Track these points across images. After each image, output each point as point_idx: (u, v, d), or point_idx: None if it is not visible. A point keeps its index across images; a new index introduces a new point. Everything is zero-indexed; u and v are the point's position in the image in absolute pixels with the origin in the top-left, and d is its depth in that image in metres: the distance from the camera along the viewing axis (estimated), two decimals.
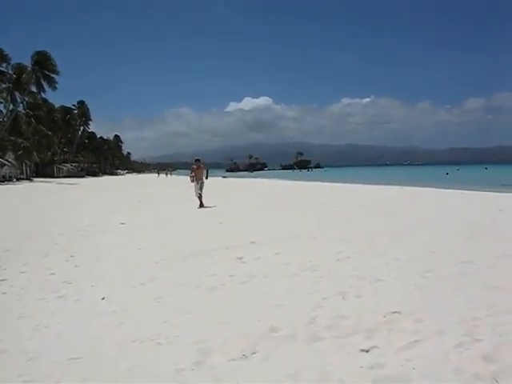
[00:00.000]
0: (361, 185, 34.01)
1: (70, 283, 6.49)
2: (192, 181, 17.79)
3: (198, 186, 17.39)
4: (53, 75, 65.29)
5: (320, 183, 39.87)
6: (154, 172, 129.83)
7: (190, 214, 15.19)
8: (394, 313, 4.50)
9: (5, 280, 6.86)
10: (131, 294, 5.77)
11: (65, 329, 4.63)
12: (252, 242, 8.78)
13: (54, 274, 7.14)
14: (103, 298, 5.60)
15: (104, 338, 4.30)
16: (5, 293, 6.19)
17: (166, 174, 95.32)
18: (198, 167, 17.83)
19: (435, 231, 9.73)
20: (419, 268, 6.29)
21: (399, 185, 30.68)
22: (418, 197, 20.57)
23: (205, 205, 17.11)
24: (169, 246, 8.85)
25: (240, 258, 7.51)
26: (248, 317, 4.61)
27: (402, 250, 7.67)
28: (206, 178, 18.36)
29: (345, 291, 5.33)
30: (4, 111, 63.49)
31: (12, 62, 61.36)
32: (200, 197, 17.25)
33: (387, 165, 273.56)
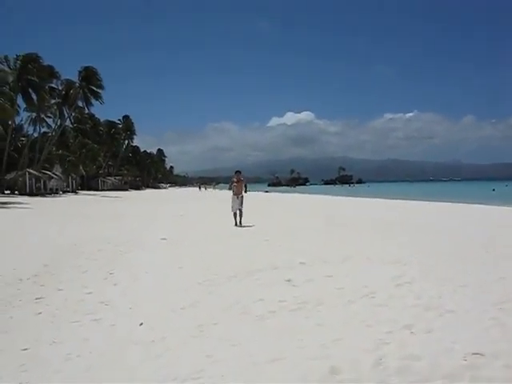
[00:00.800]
0: (407, 201, 32.86)
1: (107, 304, 6.06)
2: (233, 192, 15.78)
3: (238, 201, 15.47)
4: (99, 90, 66.75)
5: (365, 199, 38.87)
6: (196, 186, 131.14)
7: (233, 230, 14.65)
8: (474, 354, 3.82)
9: (41, 298, 6.52)
10: (171, 319, 5.27)
11: (97, 360, 4.15)
12: (301, 263, 8.17)
13: (90, 293, 6.75)
14: (141, 324, 5.12)
15: (138, 374, 3.79)
16: (40, 313, 5.82)
17: (206, 188, 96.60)
18: (238, 180, 15.89)
19: (500, 254, 8.89)
20: (493, 297, 5.55)
21: (449, 201, 29.45)
22: (475, 215, 19.49)
23: (243, 223, 15.33)
24: (211, 266, 8.34)
25: (289, 281, 6.92)
26: (303, 353, 4.01)
27: (468, 274, 6.91)
28: (245, 191, 16.15)
29: (411, 324, 4.66)
30: (53, 126, 65.20)
31: (61, 78, 63.09)
32: (239, 213, 15.45)
33: (431, 180, 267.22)
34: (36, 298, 6.51)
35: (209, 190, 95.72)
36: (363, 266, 7.81)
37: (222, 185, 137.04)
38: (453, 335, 4.27)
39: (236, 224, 15.29)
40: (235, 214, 15.49)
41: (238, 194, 15.56)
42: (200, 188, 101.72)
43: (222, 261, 8.82)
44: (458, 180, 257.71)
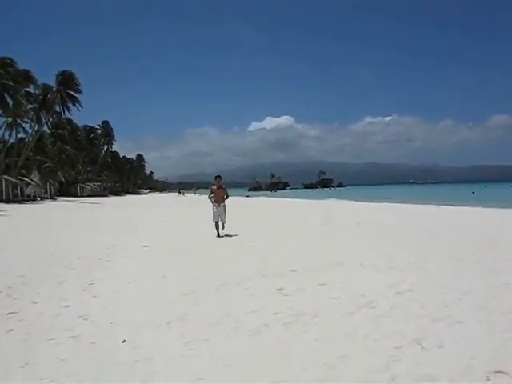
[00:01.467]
0: (391, 204, 32.75)
1: (86, 319, 5.58)
2: (213, 200, 13.71)
3: (220, 210, 13.62)
4: (77, 95, 65.67)
5: (348, 202, 38.69)
6: (175, 191, 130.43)
7: (215, 241, 14.05)
8: (497, 372, 3.47)
9: (14, 313, 6.00)
10: (156, 336, 4.82)
11: None
12: (291, 270, 7.75)
13: (68, 306, 6.25)
14: (124, 341, 4.67)
15: None
16: (11, 330, 5.30)
17: (184, 194, 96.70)
18: (218, 187, 13.77)
19: (499, 255, 8.62)
20: (501, 306, 5.21)
21: (430, 203, 29.40)
22: (460, 215, 19.33)
23: (226, 231, 13.88)
24: (197, 274, 7.88)
25: (280, 290, 6.51)
26: (306, 375, 3.62)
27: (470, 280, 6.59)
28: (227, 198, 13.99)
29: (420, 337, 4.30)
30: (30, 131, 63.90)
31: (38, 82, 61.88)
32: (221, 224, 13.74)
33: (410, 183, 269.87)
34: (8, 313, 5.99)
35: (188, 195, 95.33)
36: (357, 273, 7.43)
37: (201, 190, 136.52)
38: (468, 350, 3.91)
39: (218, 235, 13.37)
40: (217, 224, 13.58)
41: (219, 202, 13.60)
42: (179, 193, 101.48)
43: (207, 269, 8.37)
44: (435, 183, 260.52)
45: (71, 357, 4.32)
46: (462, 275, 6.94)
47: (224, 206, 13.63)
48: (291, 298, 6.09)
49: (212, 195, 13.64)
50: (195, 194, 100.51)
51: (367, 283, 6.65)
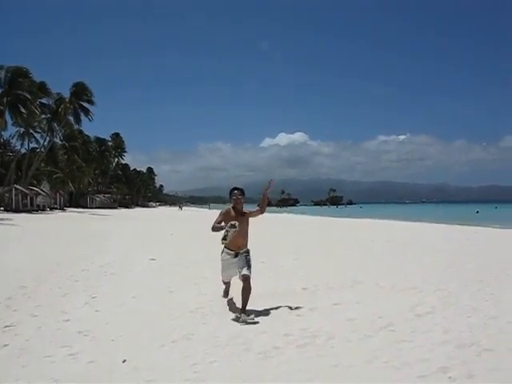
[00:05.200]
0: (402, 222, 32.23)
1: (86, 335, 5.25)
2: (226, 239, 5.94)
3: (237, 262, 6.22)
4: (89, 106, 65.97)
5: (360, 220, 38.22)
6: (183, 205, 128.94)
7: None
8: None
9: (11, 326, 5.69)
10: (160, 356, 4.47)
11: None
12: (303, 289, 7.41)
13: (68, 320, 5.93)
14: (124, 361, 4.32)
15: None
16: (6, 345, 4.98)
17: (181, 208, 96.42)
18: (237, 210, 6.42)
19: None
20: None
21: (444, 223, 28.91)
22: (474, 235, 18.82)
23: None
24: (205, 291, 7.55)
25: (292, 309, 6.17)
26: None
27: (496, 303, 6.20)
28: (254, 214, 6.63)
29: (446, 366, 3.92)
30: (41, 142, 64.15)
31: (52, 93, 62.22)
32: (229, 284, 6.98)
33: (423, 202, 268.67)
34: (5, 326, 5.68)
35: (202, 209, 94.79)
36: (373, 293, 7.07)
37: (212, 205, 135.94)
38: (501, 383, 3.54)
39: (226, 295, 7.05)
40: (227, 285, 7.00)
41: (236, 247, 6.26)
42: (180, 208, 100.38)
43: (215, 285, 8.00)
44: (437, 202, 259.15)
45: (66, 377, 3.98)
46: (487, 299, 6.53)
47: (246, 253, 6.32)
48: (304, 318, 5.75)
49: (221, 225, 6.11)
50: (209, 209, 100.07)
51: (385, 304, 6.30)
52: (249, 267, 6.18)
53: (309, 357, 4.30)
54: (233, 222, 5.95)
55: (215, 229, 6.20)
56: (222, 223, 6.15)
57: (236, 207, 6.44)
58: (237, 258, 6.24)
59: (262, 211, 6.52)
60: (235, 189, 6.60)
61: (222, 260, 6.49)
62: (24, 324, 5.78)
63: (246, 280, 6.02)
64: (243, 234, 6.28)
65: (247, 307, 5.92)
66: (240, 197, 6.45)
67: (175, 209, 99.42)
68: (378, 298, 6.75)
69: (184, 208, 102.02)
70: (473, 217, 46.43)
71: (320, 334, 4.96)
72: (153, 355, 4.49)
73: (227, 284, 6.99)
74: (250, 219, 6.51)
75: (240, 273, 6.12)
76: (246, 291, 6.00)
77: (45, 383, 3.88)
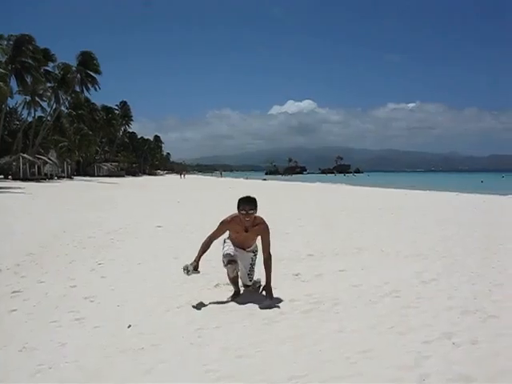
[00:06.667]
0: (409, 190, 32.11)
1: (92, 301, 5.29)
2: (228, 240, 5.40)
3: (243, 258, 5.32)
4: (96, 75, 65.56)
5: (364, 188, 38.13)
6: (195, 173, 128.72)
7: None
8: None
9: (19, 292, 5.74)
10: (165, 321, 4.49)
11: (72, 374, 3.39)
12: (309, 255, 7.41)
13: (75, 286, 5.97)
14: (129, 326, 4.35)
15: None
16: (14, 310, 5.03)
17: (184, 176, 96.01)
18: (244, 226, 5.20)
19: None
20: None
21: (450, 191, 28.81)
22: (481, 204, 18.73)
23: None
24: (210, 256, 7.55)
25: (297, 275, 6.18)
26: (326, 370, 3.26)
27: (502, 271, 6.17)
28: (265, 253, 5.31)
29: (450, 332, 3.91)
30: (48, 110, 63.98)
31: (58, 61, 61.82)
32: (238, 280, 5.41)
33: (440, 171, 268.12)
34: (13, 292, 5.73)
35: (212, 177, 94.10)
36: (379, 260, 7.06)
37: (225, 173, 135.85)
38: (506, 350, 3.52)
39: (236, 294, 5.33)
40: (234, 279, 5.34)
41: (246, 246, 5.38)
42: (181, 175, 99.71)
43: (220, 253, 8.05)
44: (445, 171, 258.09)
45: (72, 341, 4.02)
46: (492, 266, 6.51)
47: (253, 253, 5.46)
48: (309, 284, 5.76)
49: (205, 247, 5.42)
50: (222, 176, 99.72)
51: (389, 271, 6.29)
52: (251, 273, 5.38)
53: (313, 322, 4.30)
54: (189, 268, 5.05)
55: (202, 246, 5.29)
56: (226, 234, 5.27)
57: (245, 222, 5.13)
58: (243, 253, 5.30)
59: (265, 259, 5.21)
60: (246, 200, 5.11)
61: (223, 248, 5.33)
62: (31, 290, 5.83)
63: (245, 281, 5.43)
64: (247, 242, 5.32)
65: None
66: (251, 212, 5.08)
67: (178, 177, 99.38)
68: (383, 264, 6.75)
69: (187, 176, 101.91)
70: (478, 186, 46.24)
71: (325, 300, 4.96)
72: (158, 320, 4.52)
73: (234, 275, 5.25)
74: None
75: (243, 276, 5.37)
76: (238, 288, 5.38)
77: (52, 347, 3.92)
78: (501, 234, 9.95)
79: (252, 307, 4.79)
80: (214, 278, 6.08)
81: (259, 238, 5.30)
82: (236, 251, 5.21)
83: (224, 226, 5.22)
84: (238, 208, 5.11)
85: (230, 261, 5.13)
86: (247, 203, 5.08)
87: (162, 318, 4.60)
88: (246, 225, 5.13)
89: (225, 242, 5.38)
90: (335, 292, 5.28)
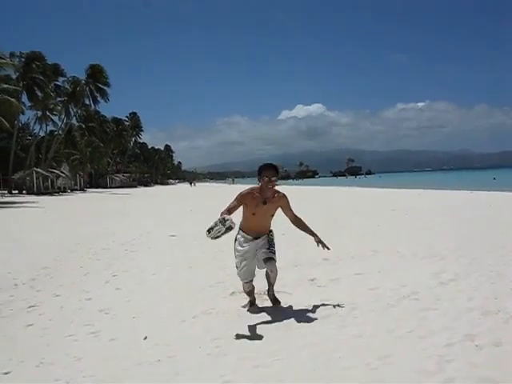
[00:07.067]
0: (421, 190, 31.85)
1: (107, 313, 5.27)
2: (209, 229, 4.20)
3: (263, 239, 4.88)
4: (105, 87, 66.09)
5: (376, 189, 37.91)
6: (205, 181, 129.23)
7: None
8: None
9: (35, 306, 5.75)
10: (180, 332, 4.45)
11: None
12: (324, 259, 7.32)
13: (90, 299, 5.96)
14: (145, 338, 4.32)
15: None
16: (30, 324, 5.03)
17: (195, 184, 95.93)
18: (266, 193, 4.77)
19: None
20: None
21: (467, 189, 28.52)
22: (495, 201, 18.49)
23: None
24: (225, 264, 7.53)
25: (313, 280, 6.11)
26: (346, 377, 3.19)
27: None
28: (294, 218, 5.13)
29: (472, 334, 3.82)
30: (59, 124, 64.57)
31: (68, 76, 62.48)
32: (253, 291, 5.16)
33: (450, 169, 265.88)
34: (29, 306, 5.74)
35: (193, 185, 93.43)
36: (395, 262, 6.96)
37: (237, 180, 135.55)
38: None
39: (252, 304, 5.13)
40: (250, 291, 5.13)
41: (256, 234, 4.88)
42: (191, 184, 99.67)
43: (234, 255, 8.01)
44: (456, 169, 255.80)
45: (89, 355, 3.99)
46: (509, 263, 6.37)
47: (269, 237, 4.96)
48: (325, 289, 5.68)
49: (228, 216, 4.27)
50: (234, 183, 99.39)
51: (406, 273, 6.18)
52: (271, 247, 4.83)
53: (331, 328, 4.23)
54: (226, 217, 4.20)
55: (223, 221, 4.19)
56: (234, 207, 4.65)
57: (264, 191, 4.73)
58: (256, 241, 4.83)
59: (297, 219, 5.04)
60: (269, 166, 4.78)
61: (236, 249, 4.89)
62: (47, 304, 5.83)
63: (269, 261, 4.74)
64: (265, 221, 4.89)
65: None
66: (274, 179, 4.70)
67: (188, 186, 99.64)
68: (400, 266, 6.64)
69: (198, 184, 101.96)
70: (491, 183, 45.72)
71: (342, 305, 4.88)
72: (174, 331, 4.48)
73: (250, 289, 5.06)
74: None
75: (261, 256, 4.77)
76: (272, 276, 4.89)
77: (68, 361, 3.89)
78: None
79: (268, 316, 4.72)
80: (230, 286, 6.02)
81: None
82: (246, 254, 4.80)
83: (242, 198, 4.73)
84: (260, 175, 4.72)
85: (245, 282, 4.96)
86: (270, 169, 4.72)
87: (177, 328, 4.56)
88: (266, 195, 4.73)
89: (236, 240, 4.92)
90: (352, 296, 5.21)
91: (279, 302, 5.09)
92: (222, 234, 4.15)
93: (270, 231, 4.98)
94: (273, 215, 4.90)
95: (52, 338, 4.53)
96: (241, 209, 4.79)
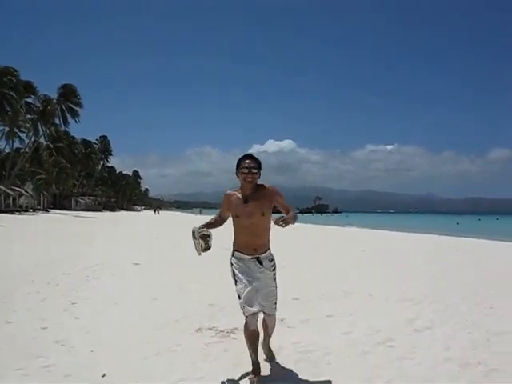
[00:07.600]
0: (390, 231, 32.13)
1: (64, 345, 4.87)
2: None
3: (267, 274, 4.00)
4: (77, 108, 65.41)
5: (345, 228, 38.09)
6: (171, 209, 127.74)
7: (219, 257, 13.30)
8: None
9: None
10: (142, 370, 4.11)
11: None
12: (294, 299, 7.09)
13: (46, 328, 5.54)
14: (104, 375, 3.98)
15: None
16: None
17: (158, 212, 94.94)
18: (253, 194, 3.93)
19: None
20: None
21: (430, 233, 28.87)
22: (461, 246, 18.67)
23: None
24: (191, 298, 7.21)
25: (282, 320, 5.85)
26: None
27: (495, 319, 5.93)
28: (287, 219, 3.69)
29: None
30: (26, 141, 63.29)
31: (39, 94, 61.65)
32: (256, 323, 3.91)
33: (416, 212, 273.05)
34: None
35: (157, 213, 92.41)
36: (367, 305, 6.77)
37: (205, 210, 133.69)
38: None
39: (256, 371, 3.93)
40: (251, 319, 3.84)
41: (254, 251, 3.96)
42: (155, 212, 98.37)
43: (203, 292, 7.71)
44: (422, 213, 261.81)
45: None
46: (489, 313, 6.27)
47: (270, 261, 4.08)
48: (295, 331, 5.43)
49: (209, 221, 4.23)
50: (200, 214, 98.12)
51: (380, 317, 6.00)
52: (274, 296, 4.04)
53: (304, 376, 3.97)
54: (192, 229, 3.96)
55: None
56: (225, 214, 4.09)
57: (246, 187, 3.92)
58: (261, 268, 3.94)
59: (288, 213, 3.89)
60: (247, 156, 3.98)
61: (235, 274, 3.98)
62: None
63: (269, 318, 4.14)
64: (259, 231, 3.93)
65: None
66: (255, 171, 3.88)
67: (161, 212, 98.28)
68: (373, 310, 6.46)
69: (162, 212, 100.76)
70: (454, 228, 46.84)
71: (314, 349, 4.65)
72: (135, 369, 4.14)
73: (254, 328, 3.90)
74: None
75: (262, 301, 3.90)
76: (271, 326, 4.26)
77: None
78: (487, 277, 9.80)
79: (237, 355, 4.45)
80: (195, 321, 5.73)
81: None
82: (247, 276, 3.88)
83: (226, 197, 4.03)
84: (238, 168, 3.92)
85: (248, 316, 3.83)
86: (249, 158, 3.92)
87: (139, 366, 4.22)
88: (246, 192, 3.90)
89: (232, 265, 4.04)
90: (324, 340, 4.98)
91: (275, 358, 4.39)
92: (204, 244, 3.90)
93: (272, 260, 4.08)
94: (266, 221, 3.94)
95: (0, 372, 4.13)
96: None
